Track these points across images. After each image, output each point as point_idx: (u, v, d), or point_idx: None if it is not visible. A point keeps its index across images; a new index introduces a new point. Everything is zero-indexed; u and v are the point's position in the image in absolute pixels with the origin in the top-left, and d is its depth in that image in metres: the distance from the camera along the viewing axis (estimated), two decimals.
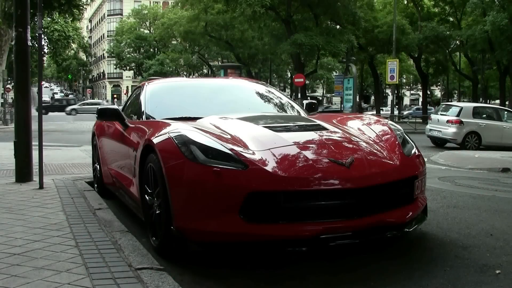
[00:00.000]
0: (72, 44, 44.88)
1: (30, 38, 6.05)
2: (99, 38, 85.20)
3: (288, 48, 28.97)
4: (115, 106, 4.99)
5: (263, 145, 3.40)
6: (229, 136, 3.54)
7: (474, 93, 42.07)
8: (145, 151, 3.72)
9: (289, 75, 56.01)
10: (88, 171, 7.26)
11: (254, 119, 4.15)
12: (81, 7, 21.76)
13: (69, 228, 3.86)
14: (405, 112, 49.15)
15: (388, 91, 55.00)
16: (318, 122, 4.14)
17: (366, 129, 4.03)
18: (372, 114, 14.26)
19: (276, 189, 3.10)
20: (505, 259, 3.49)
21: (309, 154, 3.36)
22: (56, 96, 69.72)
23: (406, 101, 76.41)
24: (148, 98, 4.79)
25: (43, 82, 6.59)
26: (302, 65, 32.96)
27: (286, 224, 3.11)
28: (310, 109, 5.49)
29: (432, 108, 42.42)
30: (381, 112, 38.45)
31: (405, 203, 3.56)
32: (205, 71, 58.22)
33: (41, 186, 5.64)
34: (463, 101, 47.17)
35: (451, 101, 43.34)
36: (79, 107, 47.41)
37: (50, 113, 41.72)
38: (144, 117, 4.56)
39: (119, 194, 4.96)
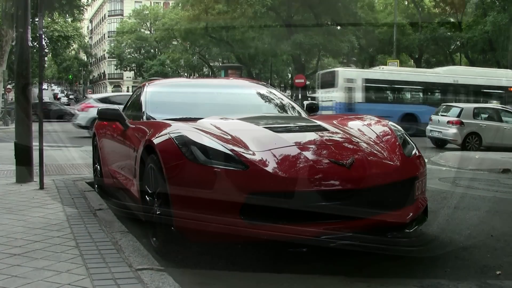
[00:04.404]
0: (73, 43, 44.80)
1: (30, 38, 6.06)
2: (99, 39, 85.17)
3: (289, 49, 29.01)
4: (116, 107, 4.98)
5: (264, 146, 3.40)
6: (229, 137, 3.54)
7: None
8: (146, 152, 3.72)
9: (290, 76, 55.94)
10: (89, 171, 7.26)
11: (254, 120, 4.15)
12: (82, 8, 21.79)
13: (69, 228, 3.86)
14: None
15: None
16: (319, 123, 4.13)
17: (367, 129, 4.02)
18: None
19: (276, 190, 3.10)
20: (505, 260, 3.49)
21: (309, 154, 3.36)
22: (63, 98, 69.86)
23: None
24: (148, 98, 4.79)
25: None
26: (303, 66, 32.98)
27: (286, 224, 3.11)
28: (310, 110, 5.48)
29: None
30: None
31: (406, 204, 3.55)
32: (205, 71, 58.13)
33: (41, 187, 5.64)
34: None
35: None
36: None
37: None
38: (144, 117, 4.56)
39: (119, 194, 4.96)
